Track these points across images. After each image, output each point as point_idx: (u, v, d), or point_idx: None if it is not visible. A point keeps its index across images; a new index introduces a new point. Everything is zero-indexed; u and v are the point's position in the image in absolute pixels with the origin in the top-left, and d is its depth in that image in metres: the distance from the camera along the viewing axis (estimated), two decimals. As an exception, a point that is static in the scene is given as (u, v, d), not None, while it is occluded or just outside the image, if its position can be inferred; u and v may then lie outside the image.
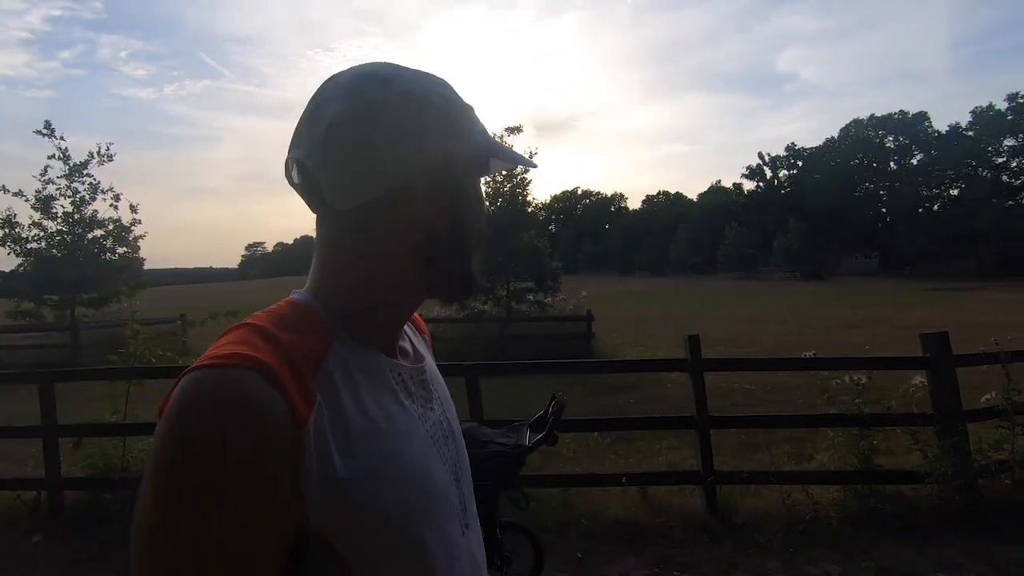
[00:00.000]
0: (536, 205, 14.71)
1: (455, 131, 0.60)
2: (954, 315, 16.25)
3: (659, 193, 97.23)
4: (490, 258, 12.70)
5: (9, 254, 13.34)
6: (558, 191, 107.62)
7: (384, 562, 0.54)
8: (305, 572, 0.51)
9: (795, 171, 72.94)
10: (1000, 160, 56.06)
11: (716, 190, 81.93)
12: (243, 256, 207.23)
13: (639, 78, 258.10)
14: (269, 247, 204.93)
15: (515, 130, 13.11)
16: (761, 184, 75.66)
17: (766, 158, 75.15)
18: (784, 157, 74.29)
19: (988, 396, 3.81)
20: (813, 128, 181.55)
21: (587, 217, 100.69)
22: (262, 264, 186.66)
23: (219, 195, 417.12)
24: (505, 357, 10.24)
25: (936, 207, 59.62)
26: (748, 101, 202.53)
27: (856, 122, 67.15)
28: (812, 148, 71.68)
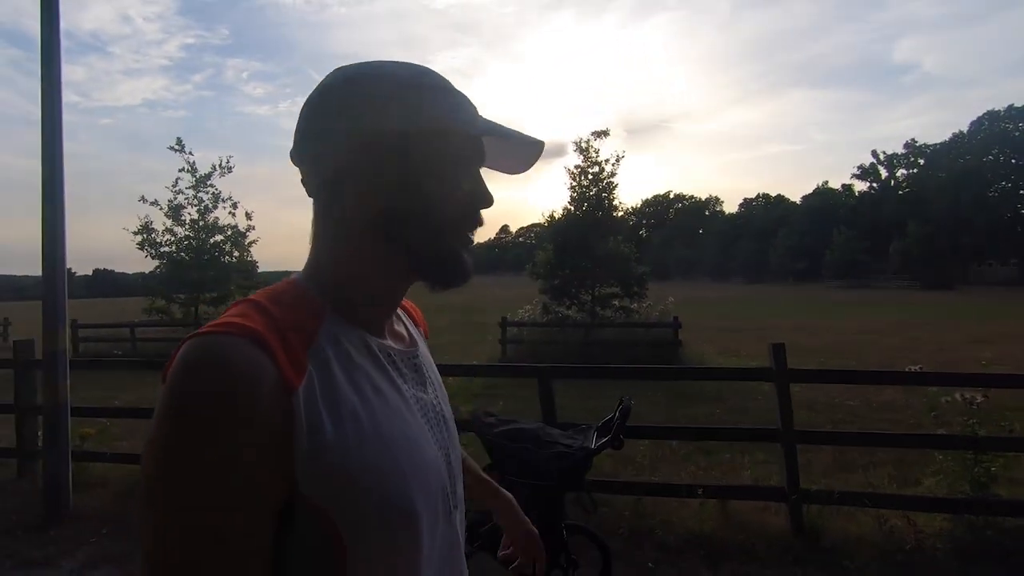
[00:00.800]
0: (624, 209, 14.50)
1: (416, 106, 0.60)
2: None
3: (758, 196, 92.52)
4: (575, 262, 12.69)
5: (146, 257, 15.07)
6: (649, 195, 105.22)
7: (373, 528, 0.55)
8: (293, 537, 0.53)
9: (915, 170, 66.46)
10: None
11: (822, 192, 76.50)
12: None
13: (736, 76, 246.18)
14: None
15: (602, 134, 13.01)
16: (875, 185, 69.73)
17: (881, 156, 69.14)
18: (902, 155, 67.97)
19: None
20: (936, 123, 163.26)
21: (679, 221, 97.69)
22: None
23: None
24: (587, 362, 10.16)
25: (1090, 207, 51.95)
26: (858, 96, 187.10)
27: (990, 114, 60.11)
28: (936, 144, 65.06)
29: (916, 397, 7.01)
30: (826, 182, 79.12)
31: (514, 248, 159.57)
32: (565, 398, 3.83)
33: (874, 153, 69.65)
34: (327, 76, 0.64)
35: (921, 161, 65.97)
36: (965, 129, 62.37)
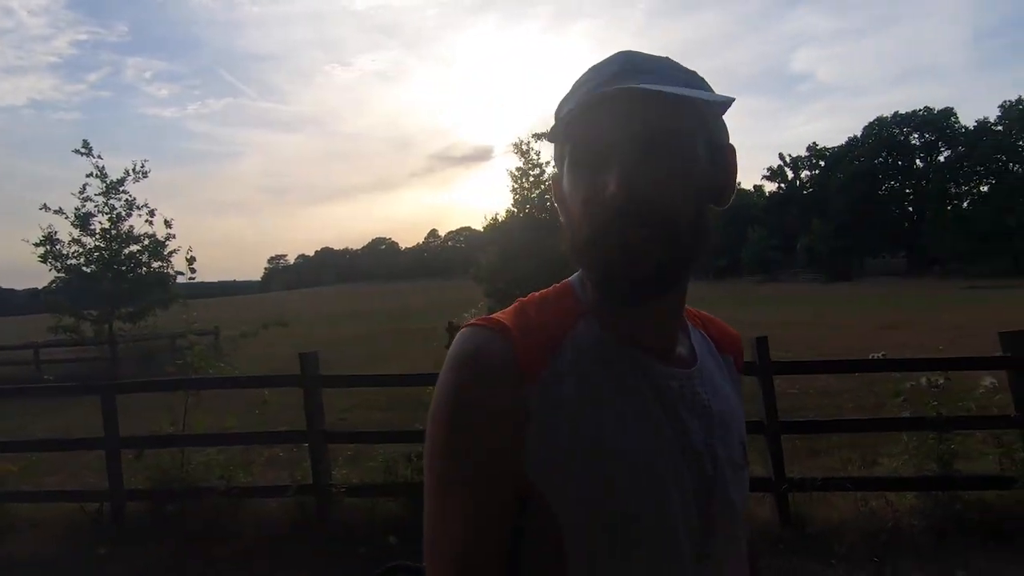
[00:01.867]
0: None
1: (573, 95, 0.59)
2: (999, 314, 15.76)
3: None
4: (520, 265, 12.67)
5: (50, 270, 13.68)
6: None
7: (589, 534, 0.55)
8: (526, 528, 0.56)
9: (817, 171, 71.83)
10: (1031, 155, 54.57)
11: (737, 192, 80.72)
12: (266, 268, 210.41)
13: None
14: (291, 259, 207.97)
15: (542, 136, 13.09)
16: (783, 185, 74.66)
17: (787, 159, 74.18)
18: (806, 158, 73.23)
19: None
20: (835, 128, 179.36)
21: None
22: (284, 276, 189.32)
23: (242, 209, 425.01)
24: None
25: (966, 204, 58.17)
26: (765, 103, 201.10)
27: (879, 120, 65.96)
28: (834, 148, 70.58)
29: (855, 383, 7.51)
30: (740, 183, 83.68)
31: (443, 253, 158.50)
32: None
33: (781, 156, 74.51)
34: None
35: (822, 163, 71.38)
36: (858, 134, 68.12)
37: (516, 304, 0.63)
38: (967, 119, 74.22)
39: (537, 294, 0.65)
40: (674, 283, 0.59)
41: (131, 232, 14.07)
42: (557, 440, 0.55)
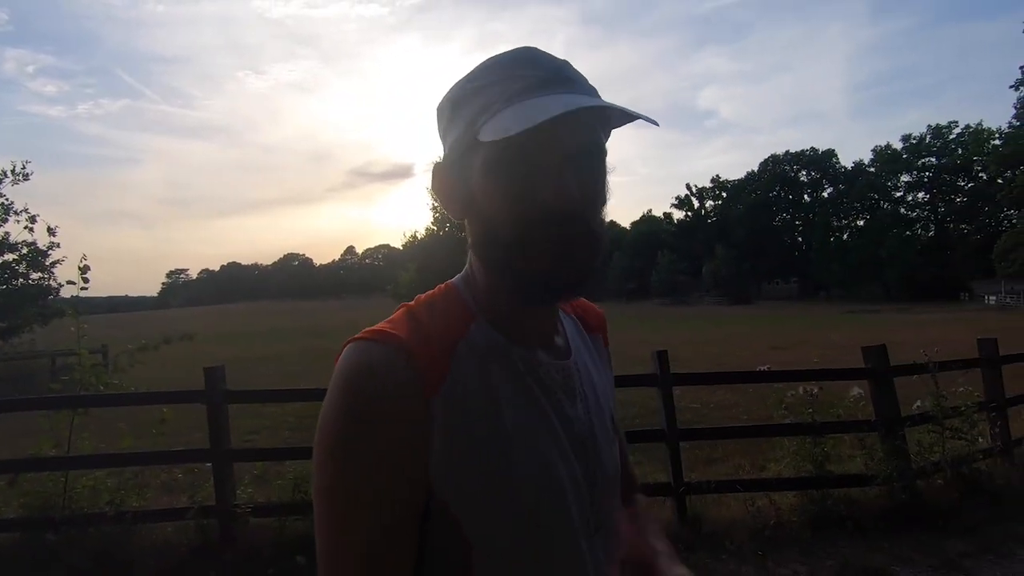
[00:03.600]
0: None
1: (459, 118, 0.59)
2: (872, 335, 17.58)
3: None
4: (439, 283, 12.66)
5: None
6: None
7: (496, 537, 0.55)
8: (430, 538, 0.56)
9: (720, 202, 77.31)
10: (898, 194, 61.72)
11: (648, 219, 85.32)
12: (164, 283, 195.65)
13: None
14: (193, 274, 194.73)
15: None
16: (690, 213, 79.54)
17: (694, 189, 79.27)
18: (710, 188, 78.64)
19: (918, 403, 4.19)
20: (738, 161, 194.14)
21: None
22: (185, 291, 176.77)
23: (138, 219, 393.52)
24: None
25: (845, 236, 64.63)
26: (674, 136, 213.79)
27: (773, 157, 72.26)
28: (735, 180, 76.27)
29: (744, 396, 8.11)
30: (650, 210, 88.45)
31: (361, 270, 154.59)
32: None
33: (688, 186, 79.93)
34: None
35: (724, 194, 76.90)
36: (755, 168, 74.11)
37: (402, 310, 0.61)
38: (846, 160, 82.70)
39: (423, 297, 0.64)
40: (588, 285, 0.61)
41: (6, 239, 12.79)
42: (461, 448, 0.55)
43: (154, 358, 4.62)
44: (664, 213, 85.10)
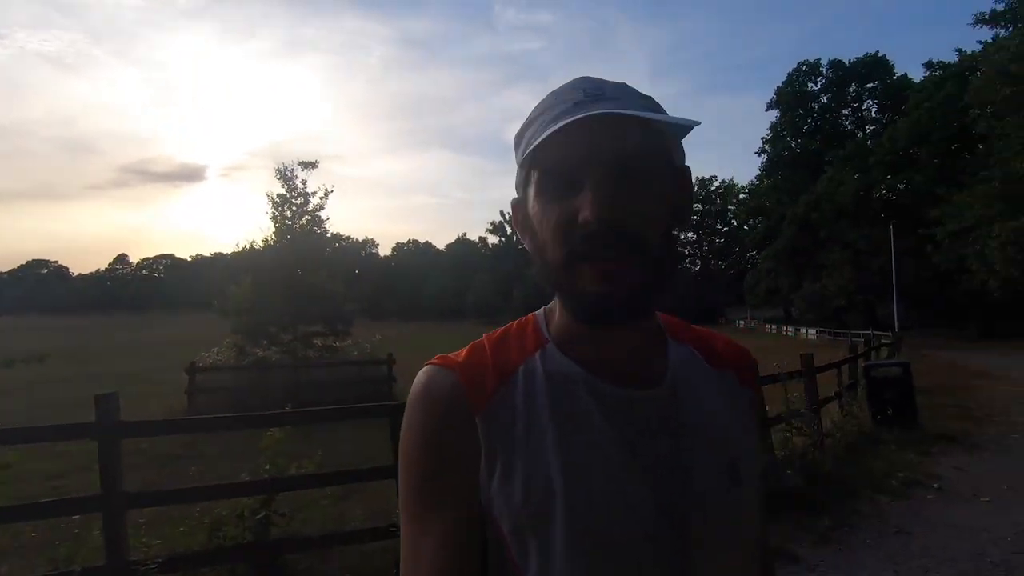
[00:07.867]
0: (333, 242, 14.03)
1: (537, 120, 0.59)
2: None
3: (409, 241, 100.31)
4: (276, 299, 11.62)
5: None
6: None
7: (537, 555, 0.56)
8: (490, 555, 0.59)
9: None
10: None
11: (463, 242, 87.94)
12: None
13: (386, 129, 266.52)
14: None
15: (310, 164, 12.46)
16: (503, 239, 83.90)
17: (506, 216, 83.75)
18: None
19: (768, 408, 5.10)
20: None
21: (336, 260, 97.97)
22: None
23: None
24: (297, 406, 9.37)
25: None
26: (486, 163, 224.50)
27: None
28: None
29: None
30: (465, 233, 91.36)
31: (135, 282, 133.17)
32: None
33: (501, 213, 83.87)
34: None
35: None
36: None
37: (476, 342, 0.66)
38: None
39: (499, 330, 0.67)
40: (648, 305, 0.60)
41: None
42: (503, 468, 0.57)
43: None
44: (479, 237, 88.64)
